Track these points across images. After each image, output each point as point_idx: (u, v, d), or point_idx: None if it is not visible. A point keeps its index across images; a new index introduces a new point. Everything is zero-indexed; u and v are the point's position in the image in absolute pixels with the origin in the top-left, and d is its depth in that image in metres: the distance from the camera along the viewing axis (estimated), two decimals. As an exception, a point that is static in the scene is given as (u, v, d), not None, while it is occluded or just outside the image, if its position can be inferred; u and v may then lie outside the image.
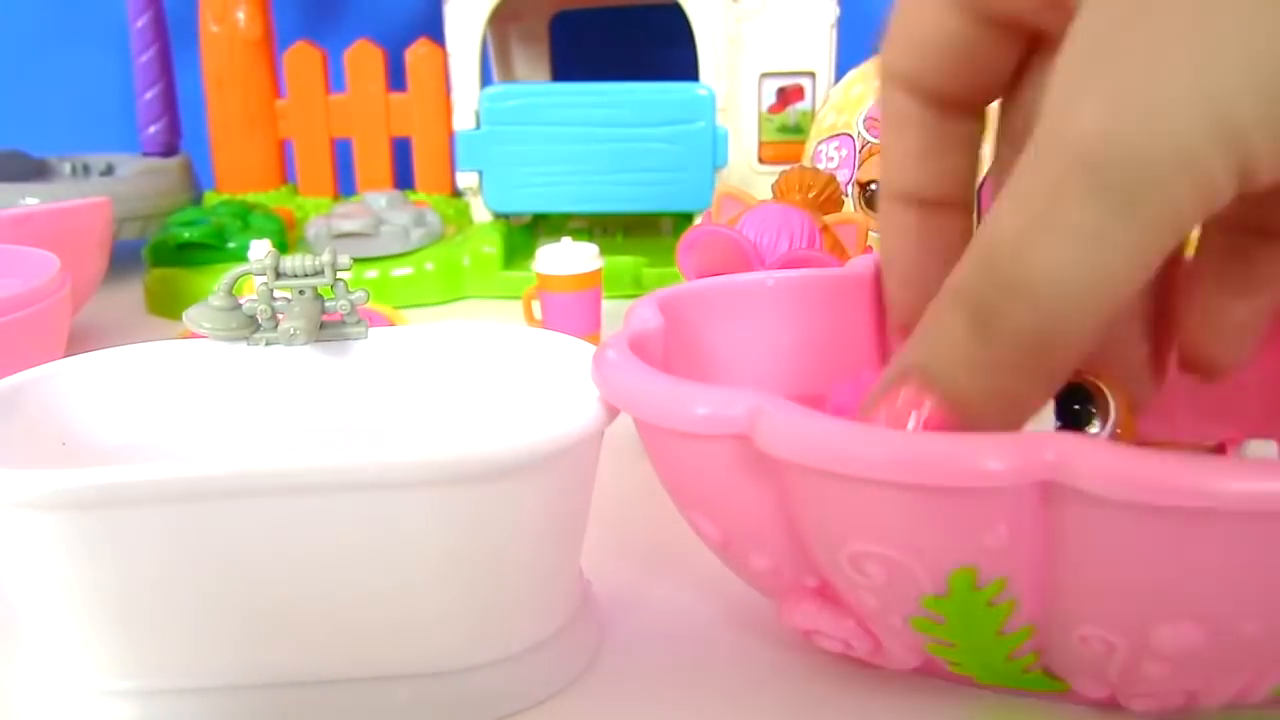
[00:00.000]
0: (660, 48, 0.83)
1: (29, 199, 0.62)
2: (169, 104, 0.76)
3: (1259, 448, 0.24)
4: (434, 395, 0.29)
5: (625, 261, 0.61)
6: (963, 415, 0.18)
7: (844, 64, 0.64)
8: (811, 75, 0.67)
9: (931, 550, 0.18)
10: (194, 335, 0.28)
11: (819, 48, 0.67)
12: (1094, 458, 0.16)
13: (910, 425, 0.19)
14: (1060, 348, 0.18)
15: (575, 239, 0.49)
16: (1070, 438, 0.17)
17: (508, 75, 0.79)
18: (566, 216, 0.72)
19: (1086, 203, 0.16)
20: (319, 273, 0.28)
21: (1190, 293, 0.23)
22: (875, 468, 0.17)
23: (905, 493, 0.18)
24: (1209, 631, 0.18)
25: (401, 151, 0.72)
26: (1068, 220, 0.17)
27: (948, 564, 0.18)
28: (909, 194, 0.24)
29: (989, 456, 0.17)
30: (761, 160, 0.68)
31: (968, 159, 0.24)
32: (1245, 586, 0.17)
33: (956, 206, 0.24)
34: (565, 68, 0.82)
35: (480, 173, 0.62)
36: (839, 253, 0.37)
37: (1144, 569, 0.17)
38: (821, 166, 0.57)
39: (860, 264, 0.32)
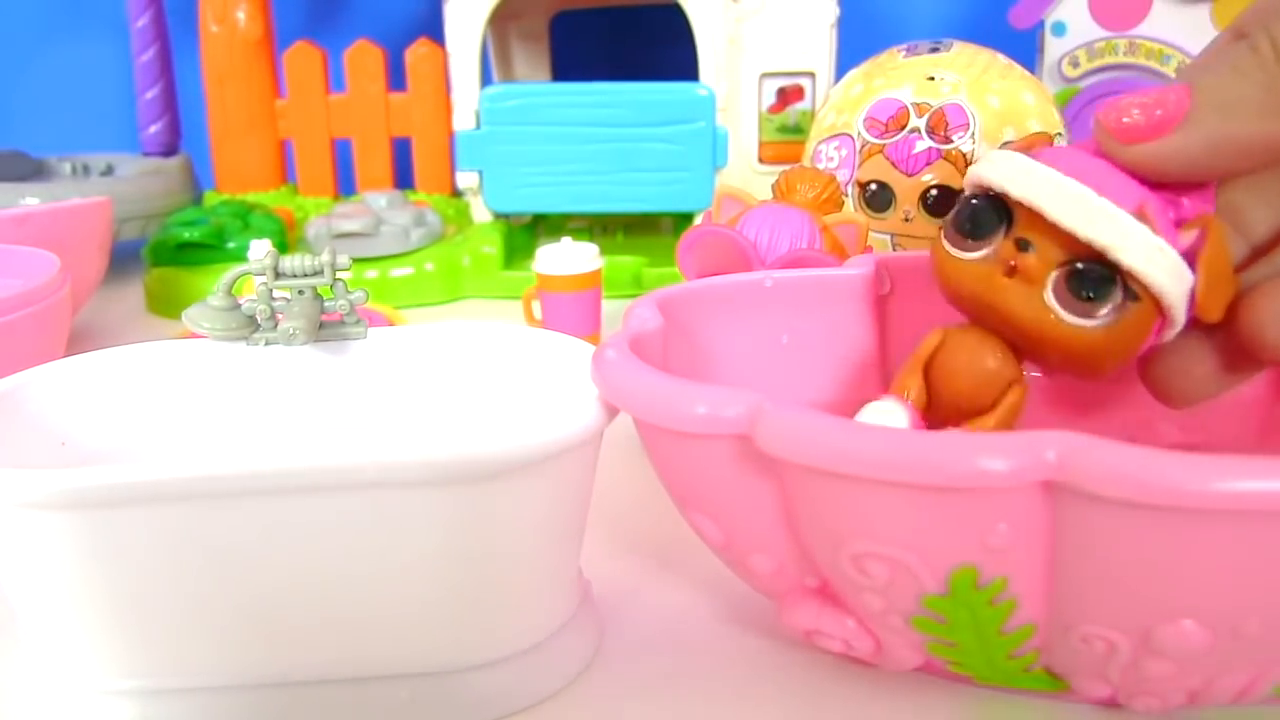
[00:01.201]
0: (660, 48, 0.83)
1: (29, 199, 0.62)
2: (169, 104, 0.76)
3: (880, 408, 0.24)
4: (434, 395, 0.29)
5: (625, 261, 0.61)
6: (1198, 103, 0.21)
7: (844, 64, 0.64)
8: (811, 75, 0.67)
9: (933, 550, 0.18)
10: (194, 335, 0.28)
11: (819, 48, 0.67)
12: (1095, 458, 0.16)
13: (1153, 101, 0.21)
14: None
15: (575, 239, 0.49)
16: (1071, 437, 0.17)
17: (508, 75, 0.79)
18: (566, 216, 0.72)
19: None
20: (318, 273, 0.28)
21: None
22: (876, 467, 0.17)
23: (907, 492, 0.18)
24: (1210, 630, 0.18)
25: (401, 151, 0.72)
26: None
27: (949, 563, 0.18)
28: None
29: (990, 456, 0.17)
30: (761, 160, 0.68)
31: None
32: (1246, 585, 0.17)
33: None
34: (565, 68, 0.82)
35: (480, 173, 0.62)
36: (839, 253, 0.37)
37: (1145, 568, 0.17)
38: (821, 166, 0.57)
39: (860, 264, 0.32)
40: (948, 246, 0.24)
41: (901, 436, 0.18)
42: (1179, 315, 0.22)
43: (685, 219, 0.65)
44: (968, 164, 0.53)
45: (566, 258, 0.47)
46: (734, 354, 0.30)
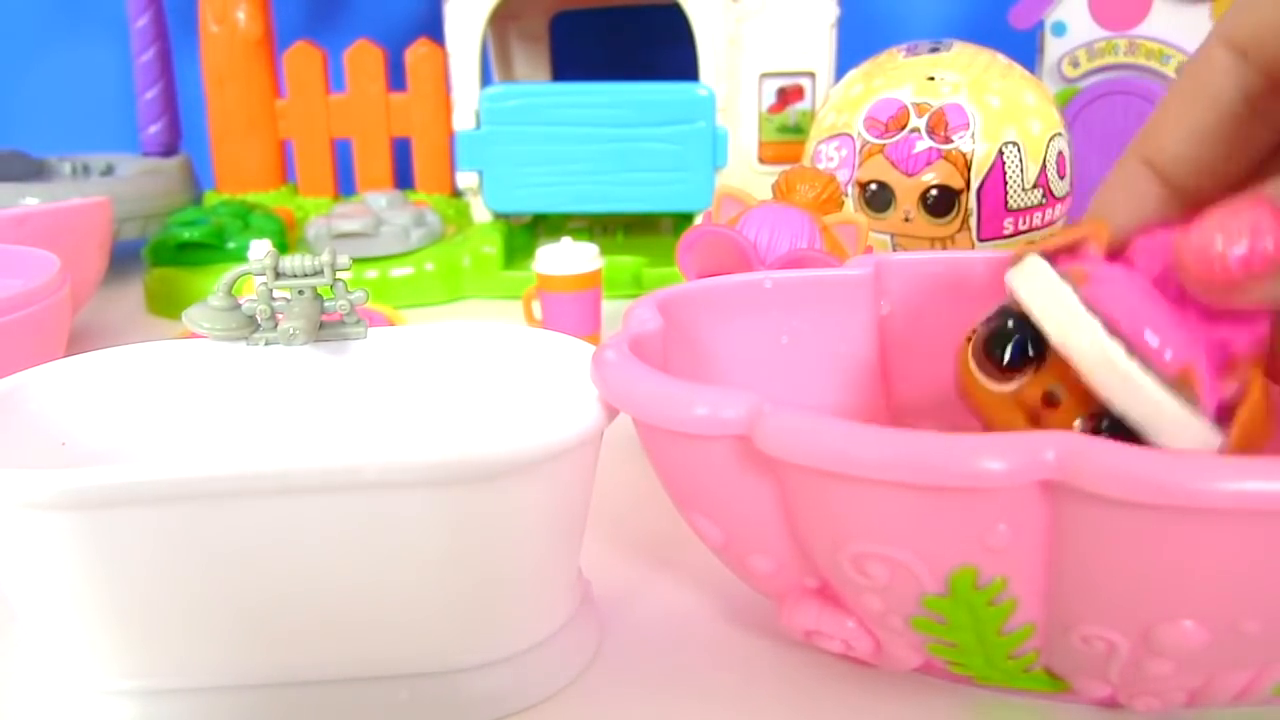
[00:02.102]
0: (660, 48, 0.83)
1: (29, 199, 0.62)
2: (169, 104, 0.76)
3: None
4: (434, 395, 0.29)
5: (625, 261, 0.61)
6: None
7: (844, 64, 0.64)
8: (811, 75, 0.67)
9: (933, 550, 0.18)
10: (194, 335, 0.28)
11: (819, 48, 0.67)
12: (1095, 458, 0.16)
13: (1246, 241, 0.19)
14: None
15: (575, 239, 0.49)
16: (1071, 437, 0.17)
17: (508, 75, 0.79)
18: (566, 216, 0.72)
19: None
20: (318, 273, 0.28)
21: None
22: (876, 468, 0.17)
23: (906, 493, 0.18)
24: (1211, 630, 0.18)
25: (401, 151, 0.72)
26: None
27: (949, 564, 0.18)
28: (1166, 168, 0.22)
29: (990, 457, 0.17)
30: (761, 160, 0.68)
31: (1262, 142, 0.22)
32: (1247, 585, 0.17)
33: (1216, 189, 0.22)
34: (565, 68, 0.82)
35: (480, 173, 0.62)
36: (839, 253, 0.37)
37: (1145, 568, 0.17)
38: (821, 166, 0.57)
39: (860, 264, 0.32)
40: (974, 366, 0.23)
41: (901, 437, 0.18)
42: None
43: (685, 219, 0.65)
44: (968, 164, 0.53)
45: (566, 258, 0.47)
46: (733, 355, 0.30)
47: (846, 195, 0.56)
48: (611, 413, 0.23)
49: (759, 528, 0.21)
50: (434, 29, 0.67)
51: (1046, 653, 0.20)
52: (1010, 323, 0.22)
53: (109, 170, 0.73)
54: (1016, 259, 0.22)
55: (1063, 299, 0.21)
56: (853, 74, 0.59)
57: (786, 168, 0.42)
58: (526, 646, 0.24)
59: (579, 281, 0.47)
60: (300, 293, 0.28)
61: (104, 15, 0.87)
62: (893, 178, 0.54)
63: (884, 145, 0.54)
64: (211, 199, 0.70)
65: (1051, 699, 0.23)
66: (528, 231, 0.69)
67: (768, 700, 0.24)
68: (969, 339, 0.23)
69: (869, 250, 0.39)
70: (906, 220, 0.54)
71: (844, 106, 0.57)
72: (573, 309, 0.48)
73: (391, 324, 0.45)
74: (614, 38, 0.86)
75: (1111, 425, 0.20)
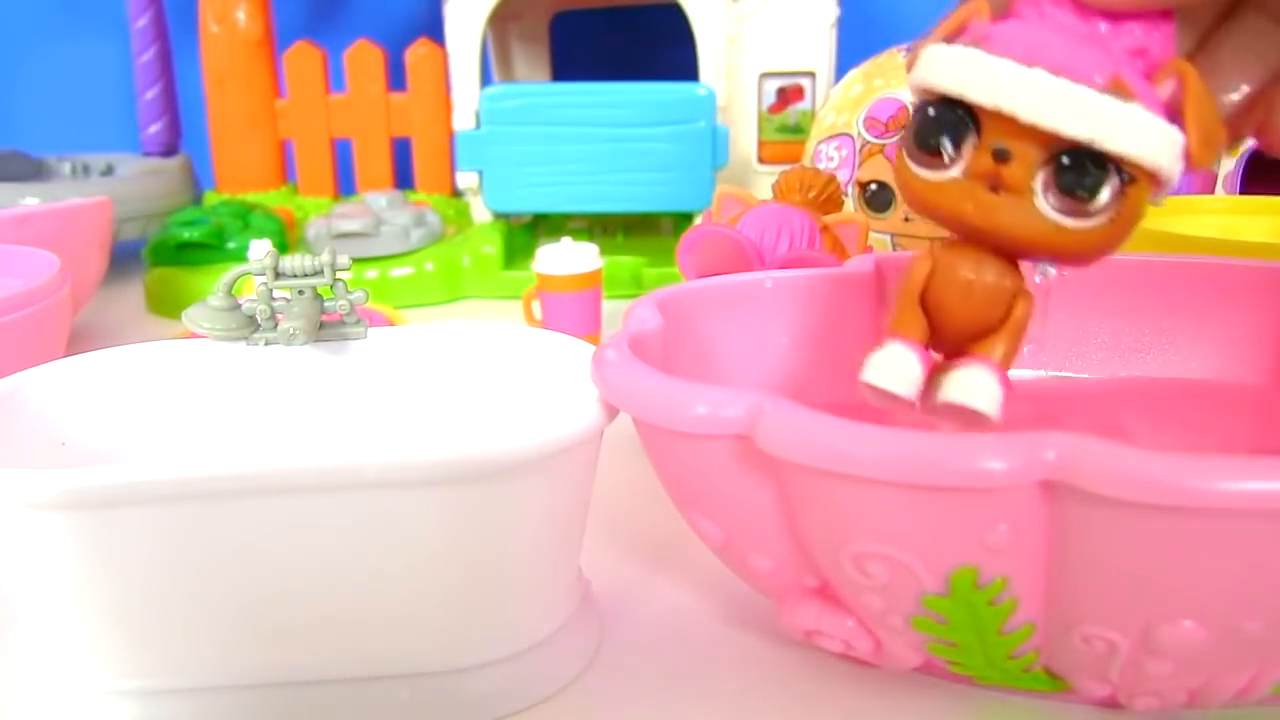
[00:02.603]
0: (660, 48, 0.83)
1: (29, 199, 0.62)
2: (169, 104, 0.76)
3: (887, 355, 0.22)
4: (434, 395, 0.29)
5: (625, 261, 0.61)
6: None
7: (844, 64, 0.64)
8: (811, 75, 0.67)
9: (933, 550, 0.18)
10: (194, 335, 0.28)
11: (819, 48, 0.67)
12: (1095, 458, 0.16)
13: None
14: None
15: (575, 239, 0.49)
16: (1071, 437, 0.17)
17: (508, 75, 0.79)
18: (566, 216, 0.72)
19: None
20: (318, 273, 0.28)
21: None
22: (876, 468, 0.17)
23: (907, 492, 0.18)
24: (1211, 630, 0.18)
25: (401, 151, 0.72)
26: None
27: (949, 563, 0.18)
28: None
29: (990, 456, 0.17)
30: (761, 160, 0.68)
31: None
32: (1247, 585, 0.17)
33: None
34: (565, 68, 0.82)
35: (480, 173, 0.62)
36: (839, 253, 0.37)
37: (1146, 568, 0.17)
38: (821, 166, 0.57)
39: (859, 264, 0.32)
40: (914, 167, 0.21)
41: (902, 436, 0.18)
42: (1175, 177, 0.20)
43: (685, 219, 0.65)
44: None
45: (566, 258, 0.47)
46: (734, 354, 0.30)
47: (846, 195, 0.55)
48: (611, 413, 0.23)
49: (759, 527, 0.21)
50: (434, 29, 0.67)
51: (1046, 652, 0.20)
52: (931, 110, 0.21)
53: (109, 170, 0.73)
54: (911, 62, 0.21)
55: (973, 60, 0.20)
56: (853, 74, 0.59)
57: (786, 168, 0.42)
58: (526, 646, 0.24)
59: (579, 281, 0.47)
60: (300, 293, 0.28)
61: (104, 15, 0.87)
62: (893, 178, 0.54)
63: (884, 145, 0.54)
64: (211, 199, 0.70)
65: (1051, 699, 0.23)
66: (528, 231, 0.69)
67: (767, 700, 0.24)
68: (899, 151, 0.22)
69: (869, 250, 0.39)
70: (906, 220, 0.54)
71: (844, 106, 0.57)
72: (573, 309, 0.48)
73: (391, 324, 0.45)
74: (614, 38, 0.86)
75: (1071, 157, 0.20)
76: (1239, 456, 0.16)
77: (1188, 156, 0.20)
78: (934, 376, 0.22)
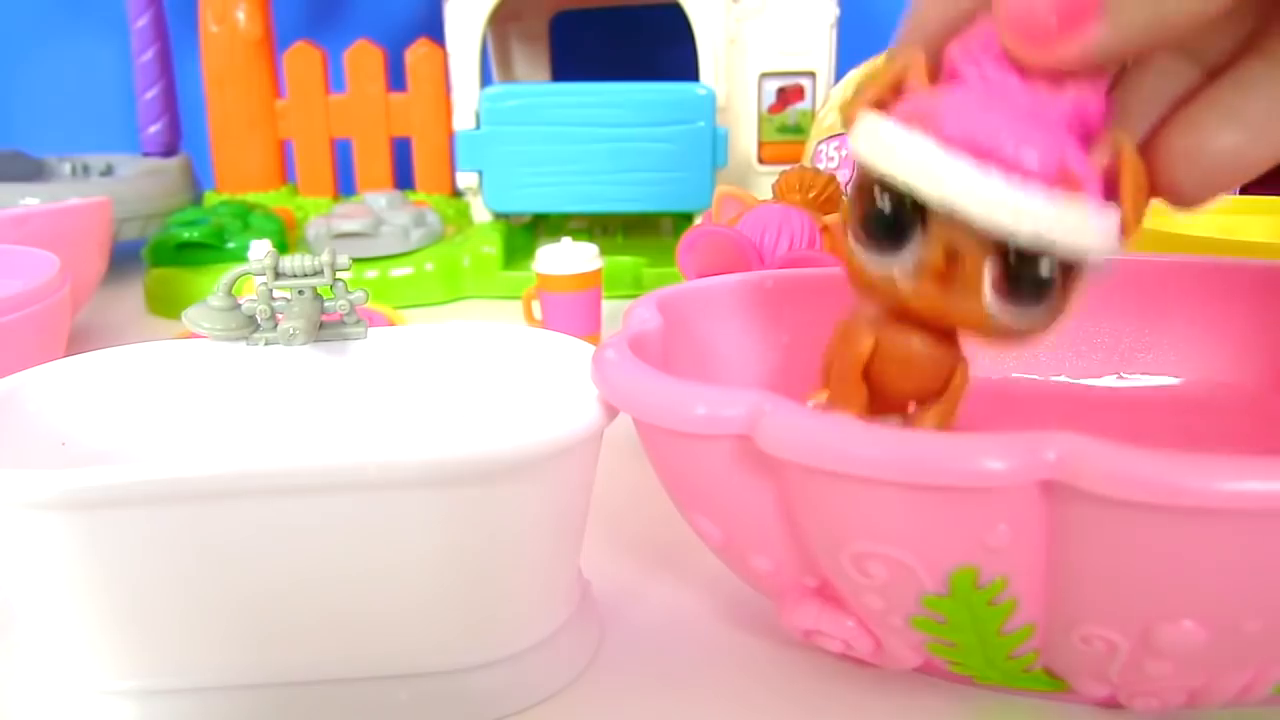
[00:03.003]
0: (660, 48, 0.83)
1: (29, 199, 0.62)
2: (169, 104, 0.76)
3: None
4: (434, 395, 0.29)
5: (625, 261, 0.61)
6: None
7: (844, 64, 0.63)
8: (811, 75, 0.67)
9: (933, 550, 0.18)
10: (193, 335, 0.28)
11: (819, 48, 0.67)
12: (1096, 458, 0.16)
13: None
14: None
15: (575, 239, 0.49)
16: (1072, 437, 0.17)
17: (508, 75, 0.79)
18: (566, 216, 0.72)
19: None
20: (318, 273, 0.28)
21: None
22: (878, 468, 0.17)
23: (907, 492, 0.18)
24: (1211, 630, 0.18)
25: (401, 151, 0.72)
26: None
27: (949, 563, 0.18)
28: None
29: (991, 456, 0.17)
30: (761, 160, 0.68)
31: None
32: (1247, 585, 0.17)
33: None
34: (565, 68, 0.82)
35: (480, 173, 0.62)
36: (839, 253, 0.37)
37: (1146, 568, 0.17)
38: (821, 166, 0.57)
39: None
40: (859, 250, 0.21)
41: (903, 437, 0.18)
42: (1110, 255, 0.20)
43: (685, 219, 0.65)
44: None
45: (566, 258, 0.47)
46: (734, 354, 0.30)
47: (846, 195, 0.55)
48: (611, 413, 0.23)
49: (759, 527, 0.21)
50: (434, 29, 0.67)
51: (1046, 653, 0.20)
52: (880, 199, 0.20)
53: (109, 170, 0.73)
54: (849, 121, 0.21)
55: (926, 154, 0.19)
56: (853, 74, 0.59)
57: (786, 168, 0.42)
58: (526, 646, 0.24)
59: (579, 281, 0.47)
60: (300, 293, 0.28)
61: (104, 15, 0.87)
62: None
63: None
64: (211, 199, 0.70)
65: (1051, 699, 0.23)
66: (528, 231, 0.69)
67: (767, 699, 0.24)
68: (844, 223, 0.21)
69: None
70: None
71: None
72: (573, 309, 0.48)
73: (391, 324, 0.45)
74: (614, 38, 0.86)
75: (1019, 254, 0.19)
76: (1239, 456, 0.16)
77: (1124, 228, 0.20)
78: None
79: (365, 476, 0.20)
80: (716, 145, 0.60)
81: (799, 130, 0.68)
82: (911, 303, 0.20)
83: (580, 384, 0.23)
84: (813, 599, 0.22)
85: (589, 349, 0.26)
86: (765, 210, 0.38)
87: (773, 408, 0.19)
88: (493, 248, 0.61)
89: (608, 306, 0.50)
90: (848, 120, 0.21)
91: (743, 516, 0.21)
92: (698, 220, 0.62)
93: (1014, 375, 0.32)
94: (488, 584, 0.22)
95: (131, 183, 0.68)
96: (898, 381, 0.22)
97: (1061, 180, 0.19)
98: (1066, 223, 0.19)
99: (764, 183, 0.66)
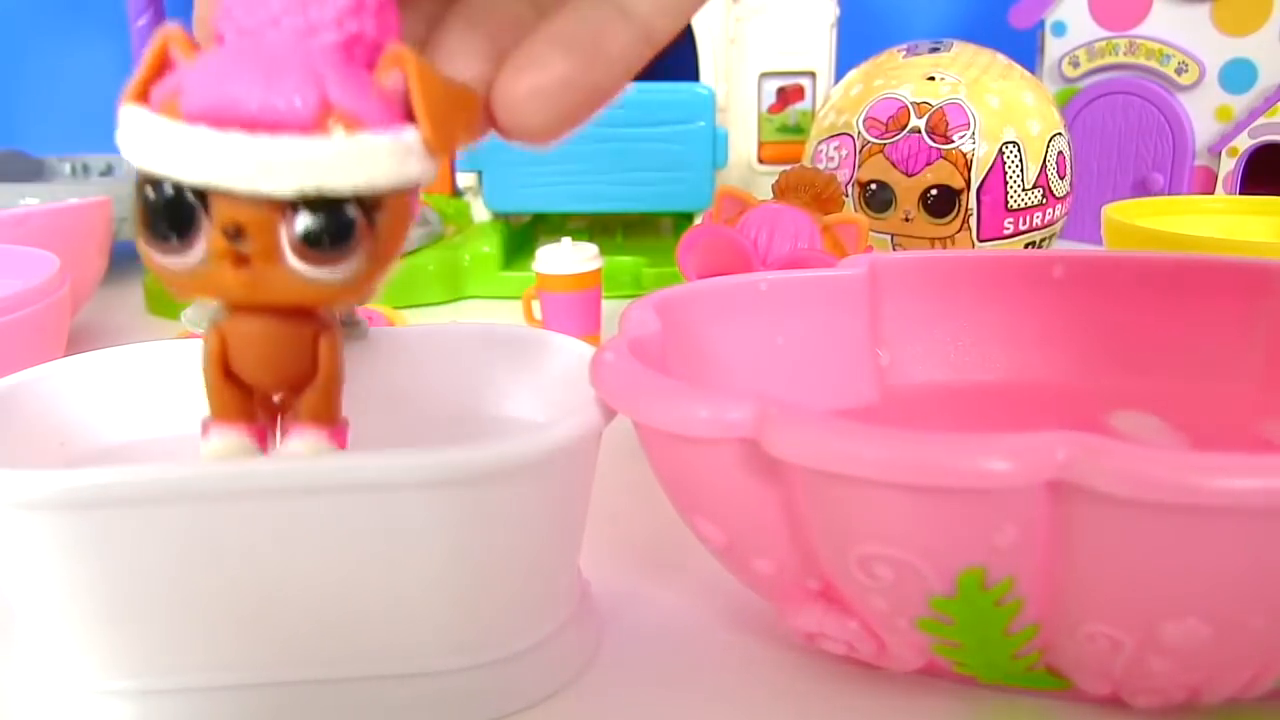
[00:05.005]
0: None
1: (29, 199, 0.62)
2: (169, 104, 0.76)
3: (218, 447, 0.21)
4: (434, 395, 0.29)
5: (625, 261, 0.61)
6: None
7: (844, 64, 0.64)
8: (811, 75, 0.67)
9: (941, 551, 0.18)
10: (194, 335, 0.28)
11: (819, 48, 0.67)
12: (1104, 457, 0.16)
13: None
14: None
15: (575, 239, 0.49)
16: (1080, 437, 0.17)
17: (508, 75, 0.79)
18: (566, 216, 0.72)
19: None
20: (319, 272, 0.28)
21: None
22: (887, 470, 0.17)
23: (915, 494, 0.18)
24: (1216, 627, 0.18)
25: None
26: None
27: (957, 565, 0.18)
28: None
29: (999, 457, 0.17)
30: (761, 160, 0.69)
31: None
32: (1253, 582, 0.17)
33: None
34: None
35: (480, 172, 0.62)
36: (839, 253, 0.37)
37: (1152, 566, 0.17)
38: (821, 166, 0.57)
39: (853, 264, 0.32)
40: (154, 254, 0.19)
41: (912, 438, 0.18)
42: (428, 175, 0.19)
43: (685, 219, 0.65)
44: (968, 164, 0.53)
45: (566, 258, 0.47)
46: (730, 356, 0.30)
47: (846, 195, 0.56)
48: (610, 413, 0.23)
49: (762, 530, 0.21)
50: (434, 29, 0.66)
51: (1050, 651, 0.20)
52: (150, 193, 0.19)
53: (109, 170, 0.73)
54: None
55: (166, 134, 0.18)
56: (853, 74, 0.59)
57: (786, 168, 0.42)
58: (526, 646, 0.24)
59: (579, 281, 0.47)
60: (300, 292, 0.28)
61: (104, 15, 0.87)
62: (893, 178, 0.54)
63: (884, 145, 0.54)
64: (211, 199, 0.70)
65: (1052, 697, 0.23)
66: (528, 231, 0.69)
67: (768, 699, 0.24)
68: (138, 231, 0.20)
69: (869, 250, 0.39)
70: (906, 220, 0.54)
71: (844, 106, 0.57)
72: (573, 309, 0.48)
73: (391, 324, 0.45)
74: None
75: (307, 211, 0.18)
76: (1247, 454, 0.16)
77: (428, 146, 0.19)
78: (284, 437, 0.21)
79: (365, 476, 0.20)
80: (716, 145, 0.60)
81: (799, 130, 0.68)
82: (224, 293, 0.19)
83: (580, 384, 0.23)
84: (816, 602, 0.22)
85: (589, 349, 0.26)
86: (765, 210, 0.38)
87: (780, 412, 0.19)
88: (493, 248, 0.61)
89: (608, 306, 0.50)
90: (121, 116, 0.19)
91: (746, 520, 0.21)
92: (698, 220, 0.62)
93: (1012, 377, 0.32)
94: (487, 584, 0.22)
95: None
96: (259, 373, 0.20)
97: (322, 119, 0.18)
98: (342, 162, 0.18)
99: (764, 183, 0.66)
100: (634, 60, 0.20)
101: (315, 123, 0.18)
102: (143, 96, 0.19)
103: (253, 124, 0.17)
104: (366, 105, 0.18)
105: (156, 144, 0.18)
